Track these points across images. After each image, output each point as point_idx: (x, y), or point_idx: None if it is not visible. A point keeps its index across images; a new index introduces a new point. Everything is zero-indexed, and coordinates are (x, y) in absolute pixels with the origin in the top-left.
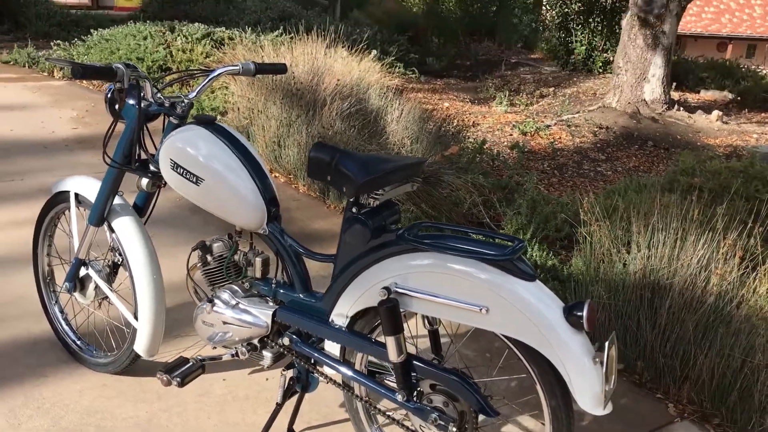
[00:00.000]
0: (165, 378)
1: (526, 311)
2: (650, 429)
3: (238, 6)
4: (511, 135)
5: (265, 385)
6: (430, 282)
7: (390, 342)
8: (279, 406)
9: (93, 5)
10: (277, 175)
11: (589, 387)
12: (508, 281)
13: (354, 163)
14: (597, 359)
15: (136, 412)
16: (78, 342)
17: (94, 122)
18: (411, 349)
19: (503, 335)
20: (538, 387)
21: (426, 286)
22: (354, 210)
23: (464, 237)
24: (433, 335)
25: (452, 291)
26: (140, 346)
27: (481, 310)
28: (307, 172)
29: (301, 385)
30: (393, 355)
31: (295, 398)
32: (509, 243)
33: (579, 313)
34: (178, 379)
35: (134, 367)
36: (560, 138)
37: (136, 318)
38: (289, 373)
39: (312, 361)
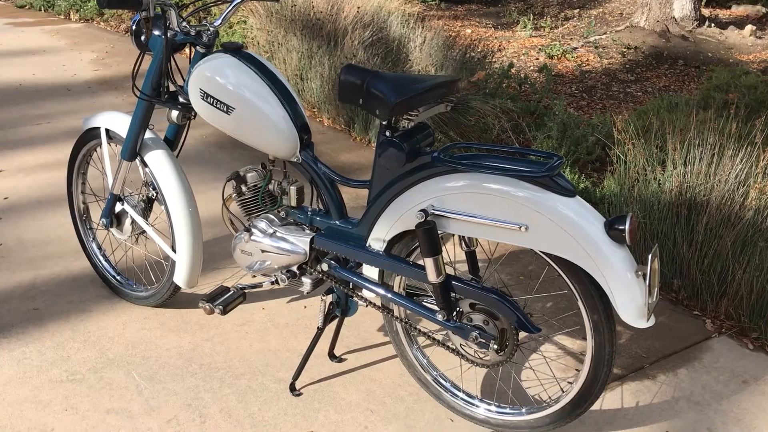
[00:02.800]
0: (207, 306)
1: (567, 227)
2: (688, 345)
3: None
4: (537, 59)
5: (304, 313)
6: (468, 202)
7: (429, 263)
8: (320, 330)
9: None
10: None
11: (632, 300)
12: (547, 198)
13: (386, 84)
14: (639, 272)
15: (179, 342)
16: (118, 277)
17: (115, 63)
18: (449, 271)
19: (543, 252)
20: (580, 303)
21: (464, 207)
22: (387, 133)
23: (501, 156)
24: (471, 257)
25: (490, 210)
26: (180, 278)
27: (520, 228)
28: (338, 96)
29: (340, 309)
30: (432, 275)
31: (334, 323)
32: (547, 159)
33: (621, 227)
34: (221, 307)
35: (174, 300)
36: (587, 60)
37: (174, 250)
38: (329, 299)
39: (351, 286)
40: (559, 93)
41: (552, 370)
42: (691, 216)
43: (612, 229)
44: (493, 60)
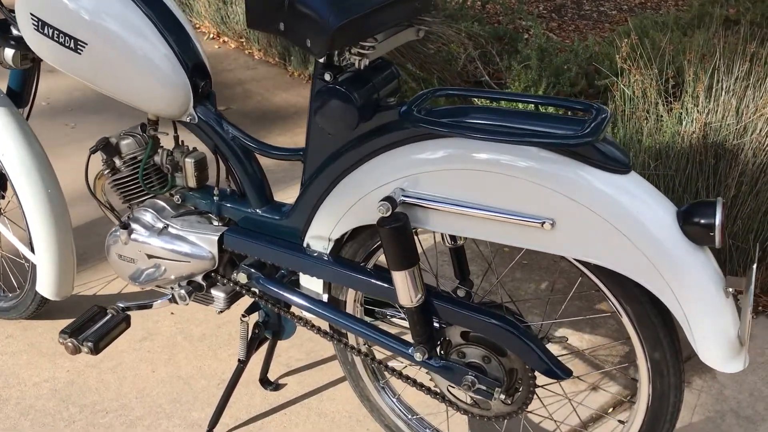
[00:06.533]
0: (70, 344)
1: (619, 222)
2: None
3: None
4: None
5: (227, 317)
6: (458, 184)
7: (399, 279)
8: (242, 364)
9: None
10: (225, 39)
11: (719, 332)
12: (587, 176)
13: None
14: (731, 289)
15: (53, 372)
16: None
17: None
18: (427, 278)
19: (577, 260)
20: (633, 333)
21: (451, 192)
22: (328, 77)
23: (507, 110)
24: (457, 255)
25: (495, 197)
26: (44, 287)
27: (543, 224)
28: (247, 20)
29: (271, 331)
30: (405, 297)
31: (265, 346)
32: (584, 114)
33: (705, 220)
34: (90, 343)
35: (49, 308)
36: None
37: (32, 250)
38: (253, 319)
39: (282, 303)
40: (525, 13)
41: (580, 418)
42: (719, 166)
43: (689, 223)
44: None
